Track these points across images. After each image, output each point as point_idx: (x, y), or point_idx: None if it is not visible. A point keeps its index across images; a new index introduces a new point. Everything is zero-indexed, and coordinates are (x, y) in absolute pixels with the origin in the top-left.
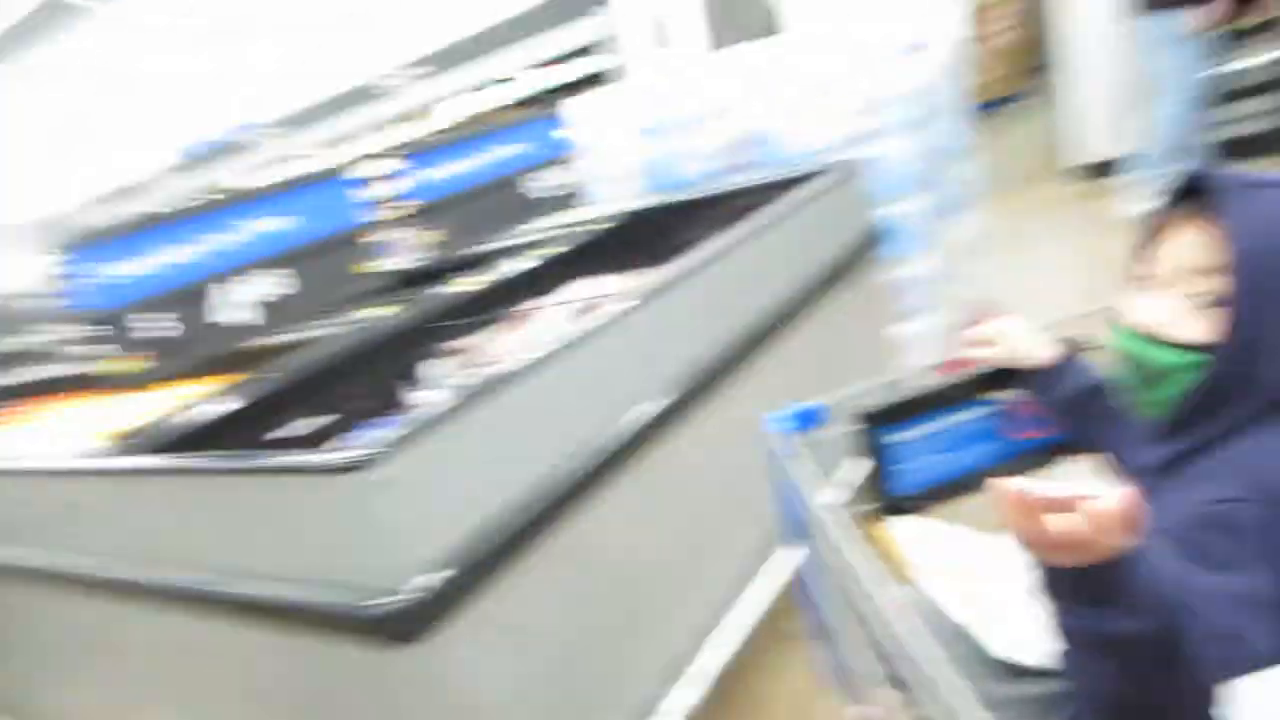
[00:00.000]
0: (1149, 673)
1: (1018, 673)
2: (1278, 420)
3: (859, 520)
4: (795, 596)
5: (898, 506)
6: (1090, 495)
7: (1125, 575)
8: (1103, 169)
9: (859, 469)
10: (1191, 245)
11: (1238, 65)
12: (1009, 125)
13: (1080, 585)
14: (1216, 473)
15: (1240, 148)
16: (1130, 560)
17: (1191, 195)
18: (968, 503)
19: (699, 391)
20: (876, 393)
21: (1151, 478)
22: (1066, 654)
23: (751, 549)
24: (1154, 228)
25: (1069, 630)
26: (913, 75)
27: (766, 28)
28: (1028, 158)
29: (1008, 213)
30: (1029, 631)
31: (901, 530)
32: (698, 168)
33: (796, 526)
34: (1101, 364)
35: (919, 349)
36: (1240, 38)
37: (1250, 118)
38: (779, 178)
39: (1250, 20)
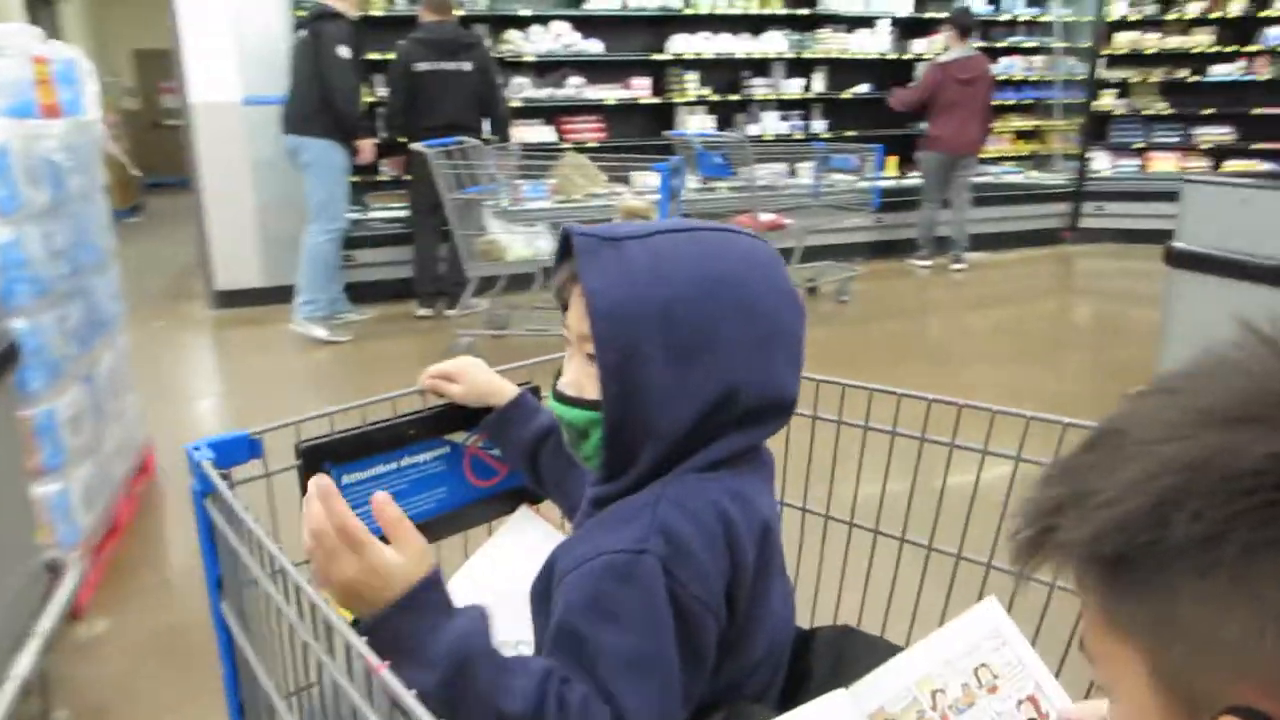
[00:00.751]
0: None
1: None
2: (707, 462)
3: (306, 575)
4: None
5: None
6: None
7: (405, 626)
8: (255, 294)
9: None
10: (576, 310)
11: (376, 214)
12: (133, 240)
13: (368, 629)
14: (632, 517)
15: (368, 290)
16: (412, 612)
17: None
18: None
19: None
20: (323, 426)
21: (589, 518)
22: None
23: None
24: (561, 293)
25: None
26: (37, 141)
27: None
28: (163, 277)
29: (152, 336)
30: None
31: None
32: None
33: (224, 581)
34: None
35: (69, 511)
36: (380, 187)
37: (377, 265)
38: None
39: (390, 173)
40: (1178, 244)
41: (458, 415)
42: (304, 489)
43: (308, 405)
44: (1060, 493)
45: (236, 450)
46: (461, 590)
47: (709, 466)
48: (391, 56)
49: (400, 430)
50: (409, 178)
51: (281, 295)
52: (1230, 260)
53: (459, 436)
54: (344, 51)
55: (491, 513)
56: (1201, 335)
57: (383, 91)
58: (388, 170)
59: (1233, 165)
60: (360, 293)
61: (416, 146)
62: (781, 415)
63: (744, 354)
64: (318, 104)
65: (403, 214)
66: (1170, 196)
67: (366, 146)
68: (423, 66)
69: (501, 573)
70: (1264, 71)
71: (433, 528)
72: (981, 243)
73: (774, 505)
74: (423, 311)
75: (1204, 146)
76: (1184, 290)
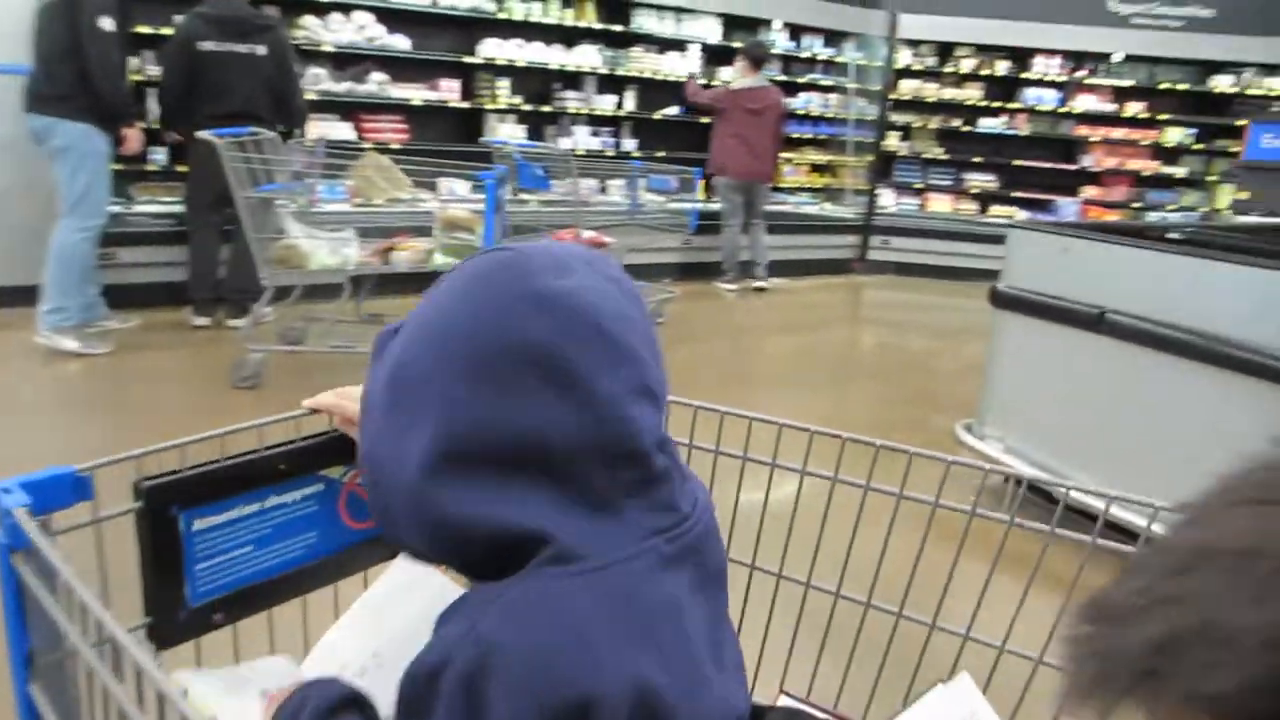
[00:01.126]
0: None
1: None
2: (559, 552)
3: (145, 647)
4: None
5: (201, 619)
6: None
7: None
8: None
9: (144, 567)
10: None
11: (143, 208)
12: None
13: None
14: (466, 610)
15: (132, 294)
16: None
17: None
18: (290, 609)
19: None
20: (170, 460)
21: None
22: None
23: None
24: None
25: None
26: None
27: None
28: None
29: None
30: None
31: (201, 687)
32: None
33: (35, 656)
34: None
35: None
36: (147, 178)
37: (142, 266)
38: None
39: (160, 162)
40: (1002, 286)
41: (339, 447)
42: (143, 536)
43: (56, 429)
44: (1165, 628)
45: (57, 492)
46: (332, 652)
47: (563, 558)
48: (166, 32)
49: (269, 465)
50: (186, 169)
51: (20, 297)
52: (1050, 305)
53: (335, 471)
54: (107, 23)
55: (371, 559)
56: (1025, 373)
57: (153, 70)
58: (158, 159)
59: (996, 210)
60: (121, 296)
61: (203, 135)
62: (547, 457)
63: (455, 392)
64: (74, 81)
65: (176, 209)
66: (943, 235)
67: (133, 135)
68: (207, 46)
69: (379, 630)
70: (1023, 127)
71: (300, 579)
72: (781, 269)
73: (682, 582)
74: (199, 320)
75: (973, 191)
76: (1009, 330)
